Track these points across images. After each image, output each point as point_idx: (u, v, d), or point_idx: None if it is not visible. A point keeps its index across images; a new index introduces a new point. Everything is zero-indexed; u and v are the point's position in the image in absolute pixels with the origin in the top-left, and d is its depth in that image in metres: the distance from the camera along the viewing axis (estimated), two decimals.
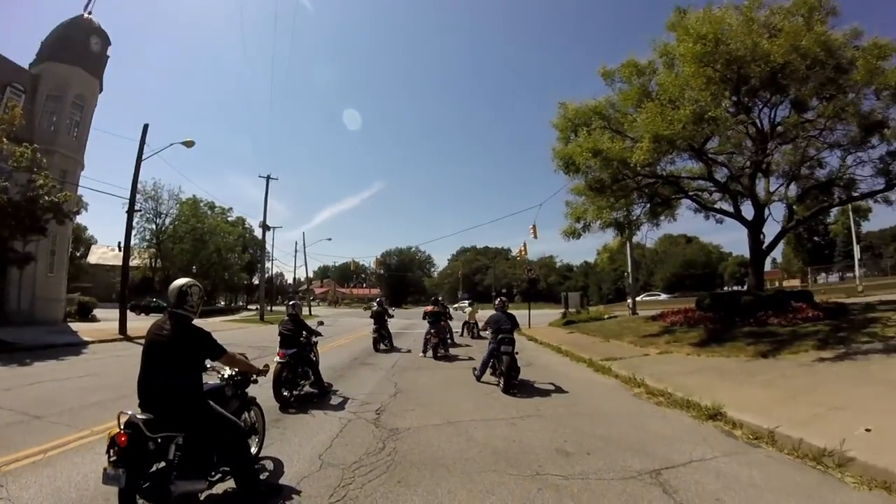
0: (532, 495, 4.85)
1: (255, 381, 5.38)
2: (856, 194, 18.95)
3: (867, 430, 5.91)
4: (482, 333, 19.27)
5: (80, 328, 25.75)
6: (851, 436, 5.68)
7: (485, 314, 16.49)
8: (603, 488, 5.06)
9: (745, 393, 8.37)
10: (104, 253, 74.42)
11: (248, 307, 73.73)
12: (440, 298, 21.59)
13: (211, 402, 4.39)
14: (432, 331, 15.61)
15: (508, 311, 11.44)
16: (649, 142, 14.67)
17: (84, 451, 5.95)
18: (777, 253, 69.96)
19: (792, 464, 5.61)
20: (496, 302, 11.82)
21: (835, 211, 36.00)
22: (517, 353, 10.70)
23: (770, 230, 19.09)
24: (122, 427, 3.76)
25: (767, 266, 31.20)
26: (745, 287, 21.34)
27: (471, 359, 14.80)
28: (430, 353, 15.44)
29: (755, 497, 4.76)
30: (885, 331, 12.25)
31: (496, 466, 5.62)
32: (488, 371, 10.91)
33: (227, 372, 5.11)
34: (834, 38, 15.02)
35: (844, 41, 15.36)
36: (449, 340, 17.43)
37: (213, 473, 4.47)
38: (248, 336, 25.05)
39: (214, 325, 29.28)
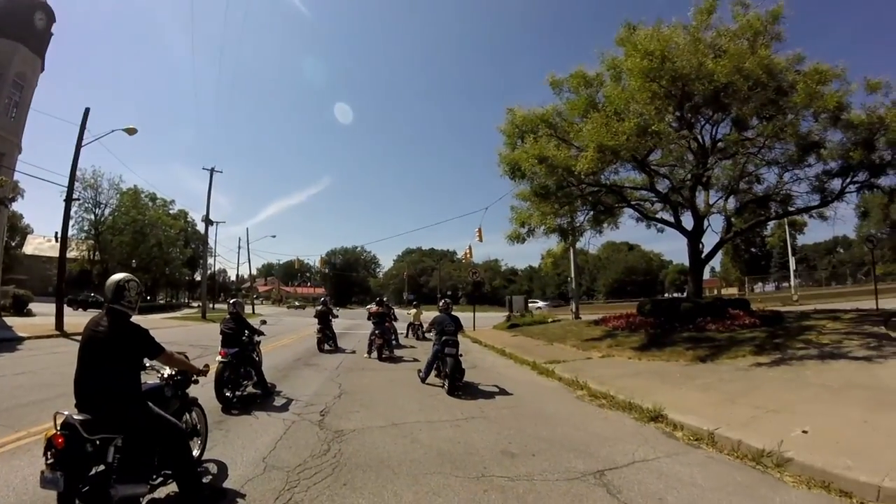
0: (478, 497, 4.84)
1: (196, 382, 5.18)
2: (792, 209, 19.82)
3: (804, 431, 6.09)
4: (426, 335, 19.45)
5: (15, 323, 24.38)
6: (789, 437, 5.84)
7: (429, 315, 16.41)
8: (548, 489, 5.10)
9: (685, 396, 8.54)
10: (41, 243, 70.72)
11: (190, 304, 71.50)
12: (385, 299, 21.42)
13: (149, 403, 4.19)
14: (377, 332, 15.44)
15: (453, 312, 11.38)
16: (594, 151, 14.89)
17: (21, 454, 5.66)
18: (716, 262, 72.96)
19: (732, 464, 5.72)
20: (440, 304, 11.76)
21: (772, 224, 37.66)
22: (462, 355, 10.66)
23: (709, 240, 19.85)
24: (58, 428, 3.61)
25: (706, 275, 32.34)
26: (685, 294, 21.97)
27: (415, 360, 14.71)
28: (374, 354, 15.28)
29: (697, 496, 4.81)
30: (820, 338, 12.78)
31: (442, 468, 5.59)
32: (433, 373, 10.86)
33: (167, 372, 4.91)
34: (777, 62, 15.66)
35: (787, 65, 16.05)
36: (394, 342, 17.31)
37: (154, 477, 4.28)
38: (189, 334, 24.17)
39: (154, 322, 28.16)
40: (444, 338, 10.60)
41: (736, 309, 17.35)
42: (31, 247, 72.60)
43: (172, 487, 4.41)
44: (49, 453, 3.53)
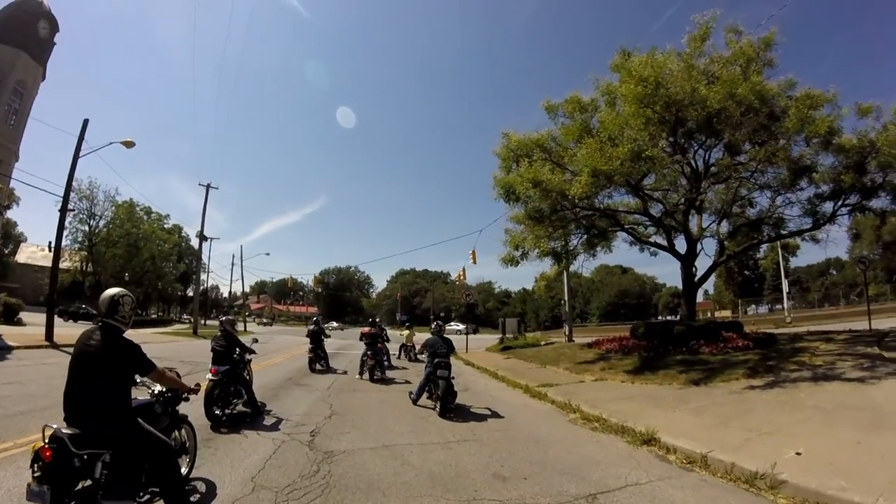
0: None
1: (187, 399, 5.14)
2: (784, 232, 19.98)
3: (797, 453, 6.07)
4: (419, 356, 19.17)
5: (4, 331, 23.92)
6: (782, 459, 5.82)
7: (422, 337, 16.35)
8: None
9: (678, 419, 8.51)
10: (34, 252, 70.15)
11: (182, 319, 70.96)
12: (377, 320, 21.29)
13: (139, 420, 4.15)
14: (369, 352, 15.33)
15: (445, 335, 11.35)
16: (588, 176, 14.99)
17: (7, 465, 5.59)
18: (709, 285, 73.02)
19: (725, 487, 5.69)
20: (433, 326, 11.71)
21: (764, 247, 37.98)
22: (454, 377, 10.60)
23: (702, 264, 19.87)
24: (46, 441, 3.60)
25: (699, 297, 32.44)
26: (678, 317, 21.97)
27: (407, 382, 14.62)
28: (366, 375, 15.16)
29: None
30: (813, 360, 12.79)
31: (432, 491, 5.54)
32: (424, 395, 10.78)
33: (158, 388, 4.86)
34: (769, 88, 15.90)
35: (779, 91, 16.32)
36: (386, 363, 17.17)
37: (141, 494, 4.23)
38: (179, 350, 23.95)
39: (146, 337, 27.89)
40: (436, 360, 10.53)
41: (729, 332, 17.35)
42: (23, 255, 72.12)
43: None
44: (36, 466, 3.51)
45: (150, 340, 26.41)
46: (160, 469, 4.18)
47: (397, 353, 23.04)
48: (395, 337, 25.51)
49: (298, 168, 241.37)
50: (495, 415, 10.10)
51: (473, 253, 32.77)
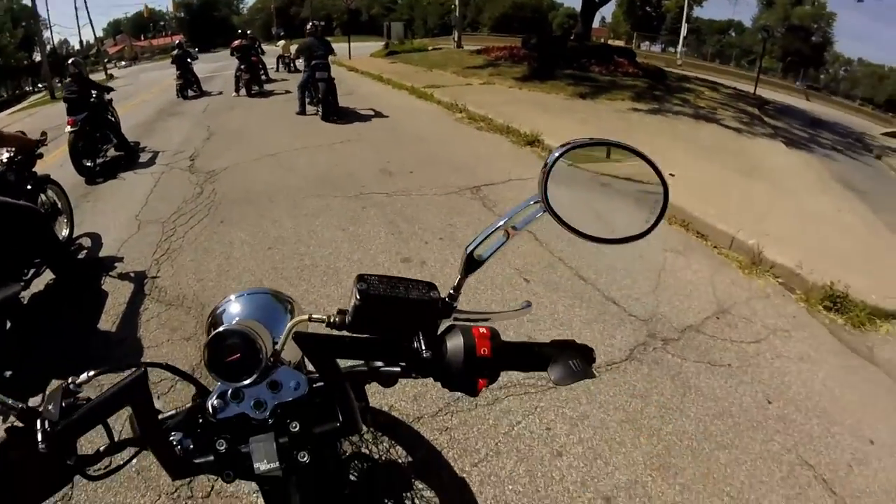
0: (357, 214, 5.01)
1: (41, 156, 4.57)
2: None
3: (671, 174, 6.24)
4: (296, 63, 18.51)
5: None
6: None
7: None
8: (426, 203, 5.23)
9: (563, 125, 8.51)
10: None
11: (38, 88, 60.39)
12: (249, 32, 18.93)
13: None
14: (242, 66, 13.87)
15: (322, 37, 10.18)
16: None
17: None
18: (607, 12, 71.44)
19: None
20: (308, 27, 10.39)
21: None
22: (334, 78, 9.89)
23: None
24: None
25: (596, 23, 31.55)
26: (572, 36, 21.40)
27: (288, 92, 13.55)
28: (242, 91, 13.90)
29: None
30: (697, 101, 13.03)
31: (320, 191, 5.63)
32: (307, 103, 10.09)
33: (5, 156, 4.25)
34: None
35: None
36: (263, 77, 15.70)
37: (26, 272, 3.76)
38: (41, 121, 20.25)
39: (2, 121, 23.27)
40: (313, 62, 9.64)
41: (621, 57, 17.15)
42: None
43: (49, 275, 3.96)
44: None
45: (5, 123, 22.01)
46: (36, 238, 3.71)
47: (275, 65, 21.25)
48: (272, 51, 23.35)
49: None
50: (380, 115, 9.86)
51: None
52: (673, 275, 4.01)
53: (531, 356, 0.87)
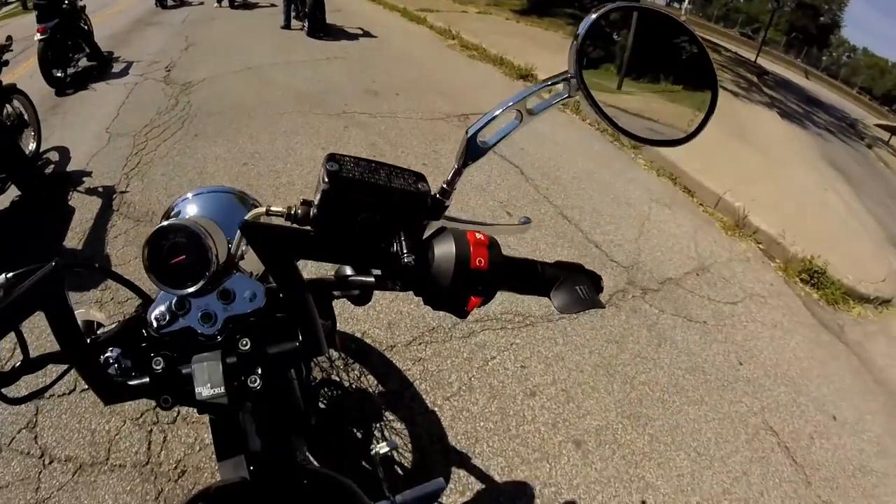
0: (338, 133, 4.81)
1: (6, 63, 4.35)
2: None
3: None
4: None
5: None
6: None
7: None
8: (410, 126, 5.04)
9: (557, 61, 8.01)
10: None
11: (9, 1, 54.51)
12: None
13: None
14: None
15: None
16: None
17: None
18: None
19: (593, 135, 5.67)
20: None
21: None
22: None
23: None
24: None
25: None
26: None
27: (273, 6, 12.67)
28: (225, 2, 12.83)
29: (556, 153, 4.77)
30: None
31: (300, 107, 5.34)
32: (293, 17, 9.51)
33: None
34: None
35: None
36: None
37: None
38: (13, 31, 18.53)
39: None
40: None
41: None
42: None
43: (14, 191, 3.75)
44: None
45: None
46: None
47: None
48: None
49: None
50: (368, 34, 9.36)
51: None
52: (657, 226, 3.95)
53: (534, 276, 0.73)
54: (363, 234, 0.68)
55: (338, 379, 2.13)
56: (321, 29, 8.96)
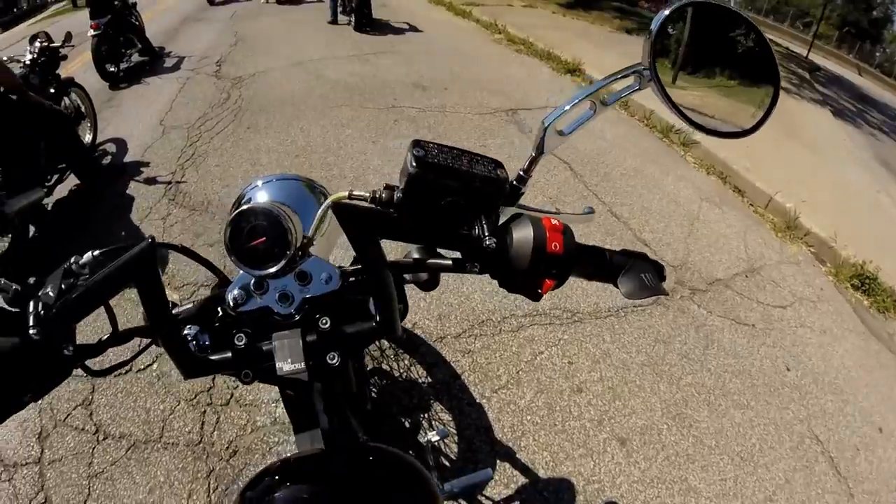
0: (388, 127, 4.87)
1: (64, 57, 4.40)
2: None
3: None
4: None
5: None
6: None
7: None
8: (459, 120, 5.09)
9: (605, 57, 8.12)
10: None
11: None
12: None
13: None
14: None
15: None
16: None
17: None
18: None
19: (641, 130, 5.65)
20: None
21: None
22: None
23: None
24: None
25: None
26: None
27: (319, 1, 12.85)
28: None
29: (605, 150, 4.76)
30: None
31: (349, 101, 5.41)
32: (340, 12, 9.58)
33: (28, 57, 4.04)
34: None
35: None
36: None
37: (49, 177, 3.64)
38: (65, 28, 19.05)
39: (17, 35, 21.76)
40: None
41: None
42: None
43: (73, 180, 3.88)
44: None
45: (29, 32, 20.46)
46: (60, 141, 3.60)
47: None
48: None
49: None
50: (415, 29, 9.38)
51: None
52: (707, 225, 3.91)
53: (602, 263, 0.77)
54: (445, 218, 0.72)
55: (388, 368, 2.20)
56: (368, 24, 9.02)
